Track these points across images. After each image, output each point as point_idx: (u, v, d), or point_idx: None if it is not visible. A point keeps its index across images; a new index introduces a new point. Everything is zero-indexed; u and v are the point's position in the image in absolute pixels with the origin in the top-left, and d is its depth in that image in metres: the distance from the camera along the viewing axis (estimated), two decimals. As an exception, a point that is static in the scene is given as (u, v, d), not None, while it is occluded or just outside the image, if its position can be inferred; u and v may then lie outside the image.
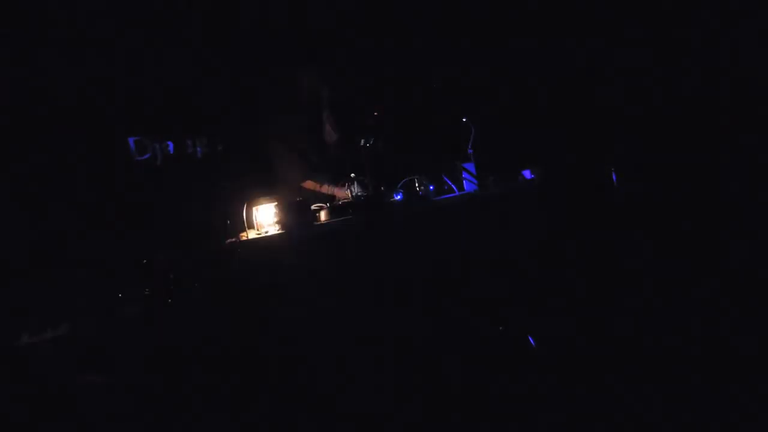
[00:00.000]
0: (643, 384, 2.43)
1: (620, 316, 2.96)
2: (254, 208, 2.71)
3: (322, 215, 2.69)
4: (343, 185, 2.89)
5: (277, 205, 2.65)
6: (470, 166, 3.09)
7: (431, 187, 2.98)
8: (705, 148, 3.52)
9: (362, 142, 3.57)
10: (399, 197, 2.90)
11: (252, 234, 2.65)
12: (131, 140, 4.75)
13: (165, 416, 2.62)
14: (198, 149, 5.12)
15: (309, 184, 3.22)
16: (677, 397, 2.30)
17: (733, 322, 2.76)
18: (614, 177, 3.48)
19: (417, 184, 2.98)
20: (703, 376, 2.39)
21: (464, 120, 3.15)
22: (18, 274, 3.22)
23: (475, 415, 2.39)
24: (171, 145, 4.90)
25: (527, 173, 3.25)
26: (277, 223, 2.58)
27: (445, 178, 3.09)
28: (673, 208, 3.60)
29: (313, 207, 2.68)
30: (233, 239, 2.64)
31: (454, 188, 3.08)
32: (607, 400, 2.37)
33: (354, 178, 2.86)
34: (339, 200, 2.86)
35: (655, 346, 2.70)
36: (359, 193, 2.81)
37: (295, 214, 2.49)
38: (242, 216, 2.74)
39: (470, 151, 3.12)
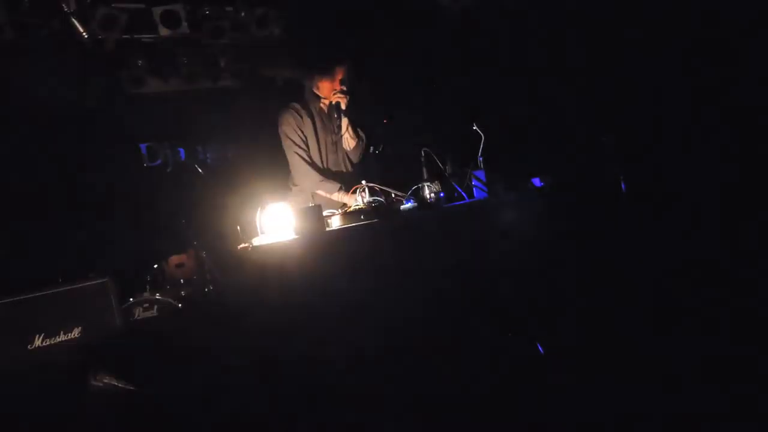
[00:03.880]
0: (643, 386, 2.45)
1: (627, 322, 2.97)
2: (266, 214, 2.74)
3: (334, 221, 2.71)
4: (354, 192, 2.91)
5: (289, 211, 2.67)
6: (480, 174, 3.11)
7: (441, 195, 2.99)
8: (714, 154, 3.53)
9: (371, 149, 3.59)
10: (409, 204, 2.92)
11: (264, 239, 2.67)
12: (143, 146, 4.81)
13: (175, 420, 2.64)
14: (208, 156, 5.18)
15: (321, 191, 3.24)
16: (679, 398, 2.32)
17: (738, 328, 2.77)
18: (623, 185, 3.50)
19: (427, 191, 2.99)
20: (706, 379, 2.40)
21: (474, 127, 3.18)
22: (31, 279, 3.25)
23: (477, 416, 2.41)
24: (182, 152, 4.96)
25: (537, 181, 3.27)
26: (290, 228, 2.60)
27: (455, 186, 3.11)
28: (681, 214, 3.62)
29: (325, 213, 2.70)
30: (246, 244, 2.67)
31: (464, 195, 3.09)
32: (607, 402, 2.38)
33: (365, 185, 2.88)
34: (350, 207, 2.88)
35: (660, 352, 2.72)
36: (370, 200, 2.83)
37: (308, 219, 2.51)
38: (255, 221, 2.78)
39: (480, 158, 3.14)
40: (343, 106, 3.23)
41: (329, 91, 3.26)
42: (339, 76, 3.23)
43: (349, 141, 3.37)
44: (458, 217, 2.98)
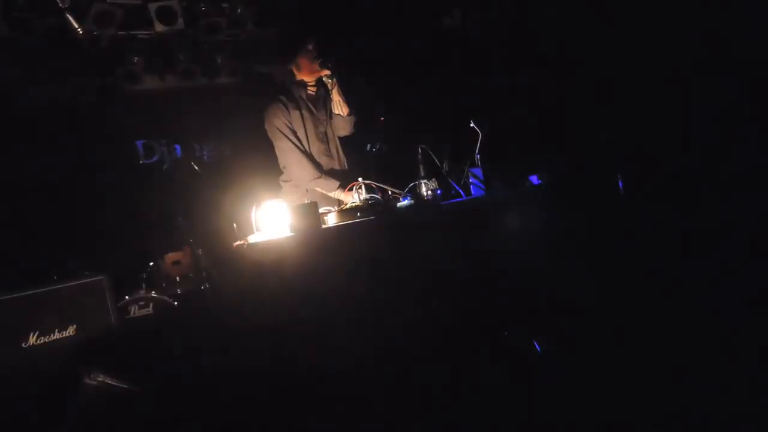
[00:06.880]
0: (646, 388, 2.44)
1: (626, 321, 2.96)
2: (262, 211, 2.72)
3: (330, 218, 2.70)
4: (351, 189, 2.90)
5: (285, 208, 2.65)
6: (478, 171, 3.09)
7: (439, 192, 2.98)
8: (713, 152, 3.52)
9: (368, 146, 3.58)
10: (406, 201, 2.91)
11: (260, 237, 2.66)
12: (139, 143, 4.78)
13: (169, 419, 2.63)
14: (205, 153, 5.15)
15: (318, 188, 3.22)
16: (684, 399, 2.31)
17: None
18: (620, 183, 3.49)
19: (424, 189, 2.98)
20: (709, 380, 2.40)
21: (472, 124, 3.16)
22: (26, 276, 3.23)
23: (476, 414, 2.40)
24: (178, 149, 4.93)
25: (534, 178, 3.26)
26: (285, 225, 2.58)
27: (453, 183, 3.10)
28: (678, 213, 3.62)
29: (321, 210, 2.69)
30: (242, 242, 2.65)
31: (462, 193, 3.08)
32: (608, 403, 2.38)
33: (361, 182, 2.87)
34: (346, 204, 2.87)
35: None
36: (367, 197, 2.81)
37: (304, 217, 2.49)
38: (250, 219, 2.76)
39: (478, 155, 3.13)
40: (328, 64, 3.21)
41: (311, 69, 3.25)
42: (311, 46, 3.22)
43: (341, 105, 3.32)
44: (455, 215, 2.97)
